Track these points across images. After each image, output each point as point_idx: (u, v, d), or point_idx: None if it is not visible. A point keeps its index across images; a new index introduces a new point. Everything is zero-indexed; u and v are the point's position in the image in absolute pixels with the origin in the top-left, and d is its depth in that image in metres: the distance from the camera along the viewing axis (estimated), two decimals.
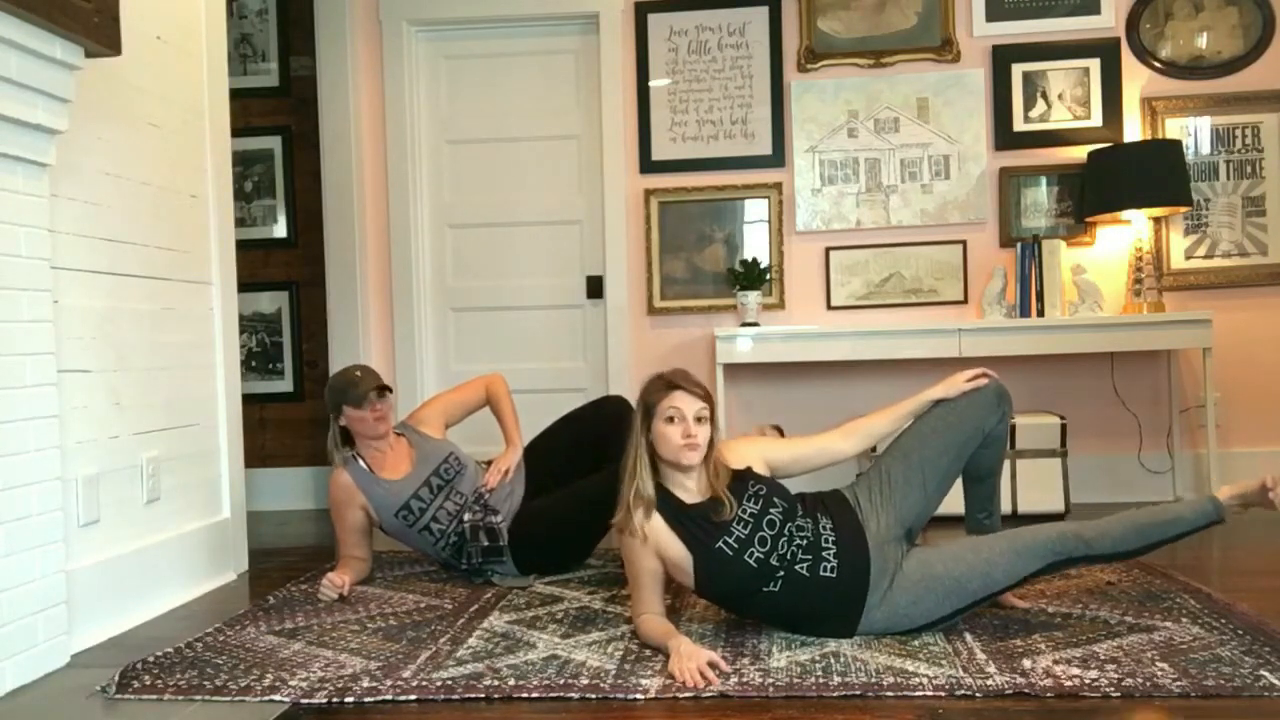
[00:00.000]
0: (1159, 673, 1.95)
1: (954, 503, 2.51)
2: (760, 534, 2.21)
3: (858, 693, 1.91)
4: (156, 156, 2.87)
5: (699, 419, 2.24)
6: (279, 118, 4.52)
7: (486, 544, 2.90)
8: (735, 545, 2.21)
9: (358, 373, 2.96)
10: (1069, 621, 2.33)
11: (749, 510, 2.24)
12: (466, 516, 2.91)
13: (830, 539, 2.24)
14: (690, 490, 2.28)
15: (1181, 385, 4.07)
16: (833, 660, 2.09)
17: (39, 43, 2.12)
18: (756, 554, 2.20)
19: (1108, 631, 2.24)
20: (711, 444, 2.27)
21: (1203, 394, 3.86)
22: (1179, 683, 1.89)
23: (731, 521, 2.22)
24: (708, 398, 2.29)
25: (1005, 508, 3.73)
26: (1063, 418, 3.82)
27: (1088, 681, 1.91)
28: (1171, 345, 3.90)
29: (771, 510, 2.25)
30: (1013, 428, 3.80)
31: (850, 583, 2.21)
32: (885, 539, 2.26)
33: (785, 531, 2.23)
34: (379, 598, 2.77)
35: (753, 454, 2.40)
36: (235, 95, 3.54)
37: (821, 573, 2.20)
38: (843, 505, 2.34)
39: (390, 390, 2.98)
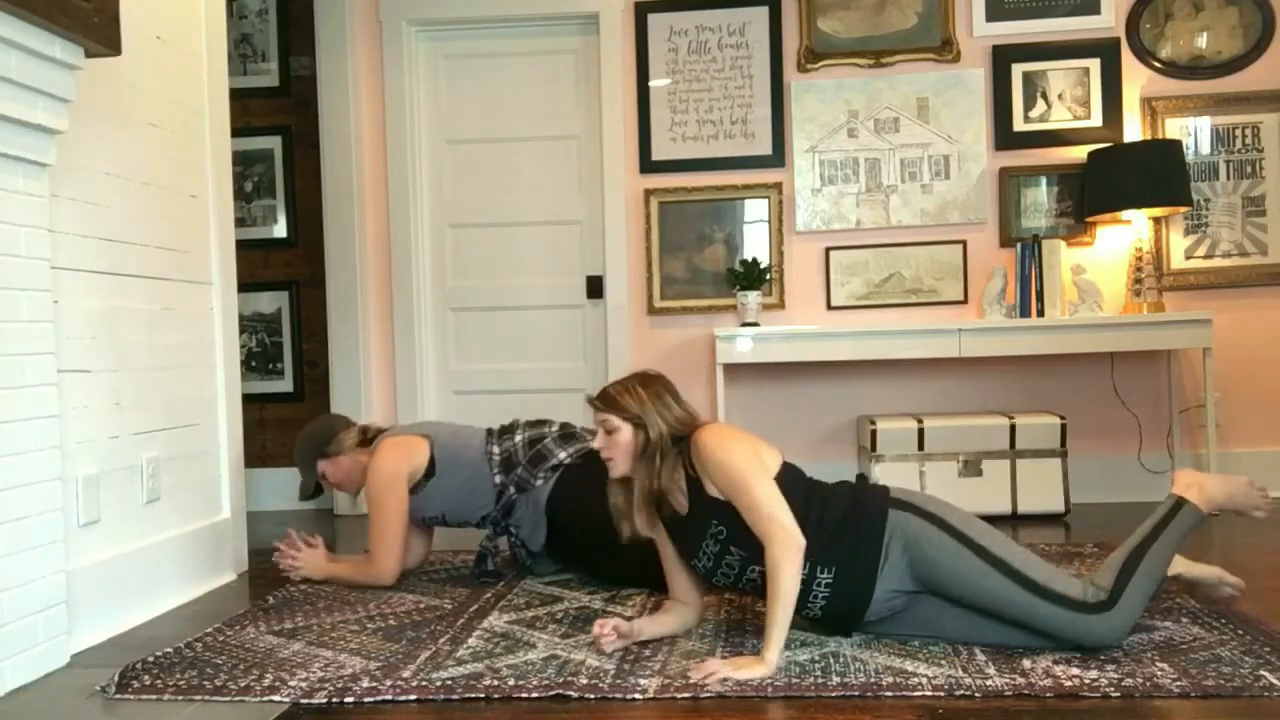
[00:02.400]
0: (1159, 673, 1.95)
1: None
2: (721, 570, 2.20)
3: (856, 693, 1.91)
4: (156, 156, 2.87)
5: (607, 430, 2.21)
6: (279, 118, 4.53)
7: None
8: (703, 569, 2.24)
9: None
10: None
11: (709, 549, 2.19)
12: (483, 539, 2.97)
13: (825, 585, 2.13)
14: (679, 500, 2.23)
15: (1181, 385, 4.07)
16: (832, 660, 2.09)
17: (39, 43, 2.12)
18: (723, 582, 2.24)
19: None
20: (643, 452, 2.18)
21: (1203, 394, 3.86)
22: (1179, 683, 1.89)
23: (697, 550, 2.21)
24: (608, 404, 2.21)
25: (1005, 508, 3.76)
26: (1063, 418, 3.82)
27: (1087, 681, 1.91)
28: (1171, 345, 3.91)
29: (728, 556, 2.17)
30: (1012, 427, 3.80)
31: (837, 618, 2.20)
32: (895, 589, 2.16)
33: (745, 573, 2.17)
34: (379, 598, 2.77)
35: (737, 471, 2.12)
36: (235, 95, 3.54)
37: (803, 612, 2.17)
38: (868, 544, 2.12)
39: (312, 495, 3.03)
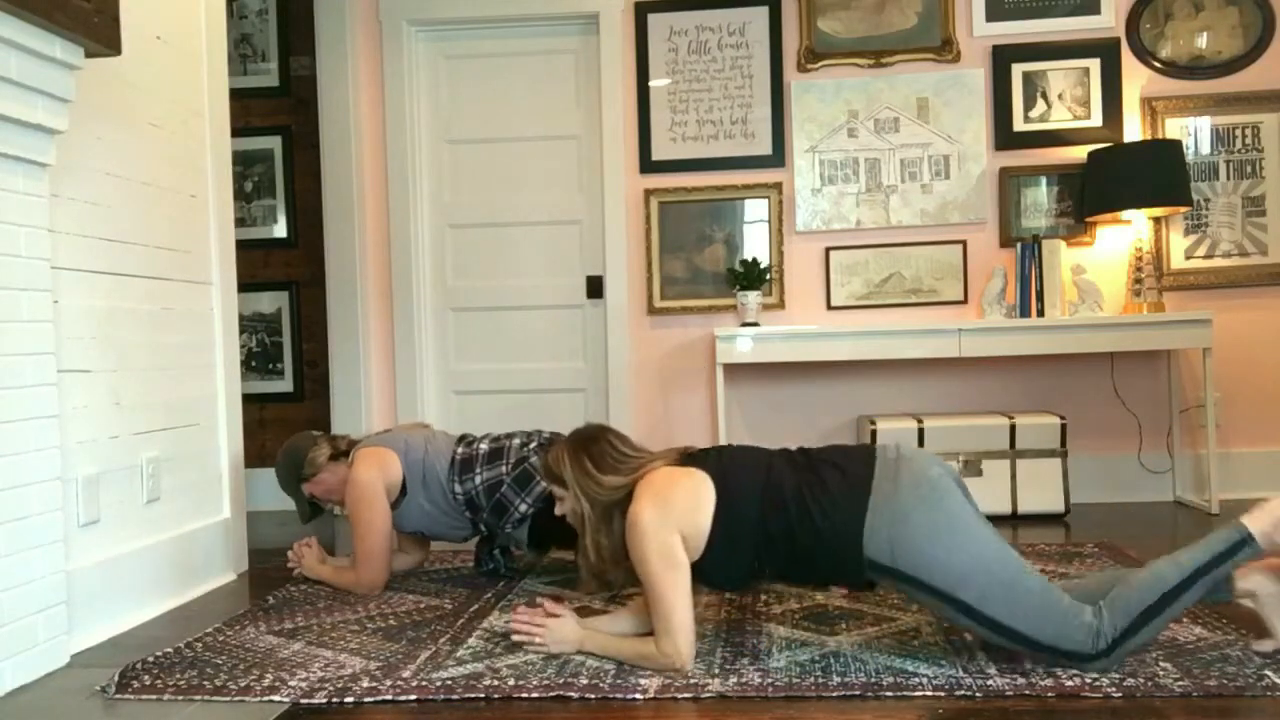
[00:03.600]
0: (1161, 673, 1.95)
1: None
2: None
3: (857, 693, 1.91)
4: (156, 156, 2.87)
5: (558, 496, 2.21)
6: (279, 118, 4.53)
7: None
8: None
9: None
10: None
11: None
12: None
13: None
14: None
15: (1181, 385, 4.07)
16: (832, 660, 2.09)
17: (39, 43, 2.12)
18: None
19: None
20: (582, 519, 2.14)
21: (1203, 394, 3.85)
22: (1181, 683, 1.89)
23: None
24: (545, 472, 2.22)
25: (1005, 508, 3.76)
26: (1063, 418, 3.82)
27: (1089, 681, 1.91)
28: (1171, 345, 3.90)
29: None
30: (1012, 427, 3.80)
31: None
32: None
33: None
34: (379, 598, 2.77)
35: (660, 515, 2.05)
36: (235, 95, 3.54)
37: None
38: (852, 576, 2.08)
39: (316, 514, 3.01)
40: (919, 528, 1.94)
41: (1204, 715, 1.79)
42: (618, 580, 2.20)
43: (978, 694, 1.88)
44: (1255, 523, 1.95)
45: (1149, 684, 1.89)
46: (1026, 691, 1.88)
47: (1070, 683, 1.90)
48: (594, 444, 2.17)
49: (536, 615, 2.19)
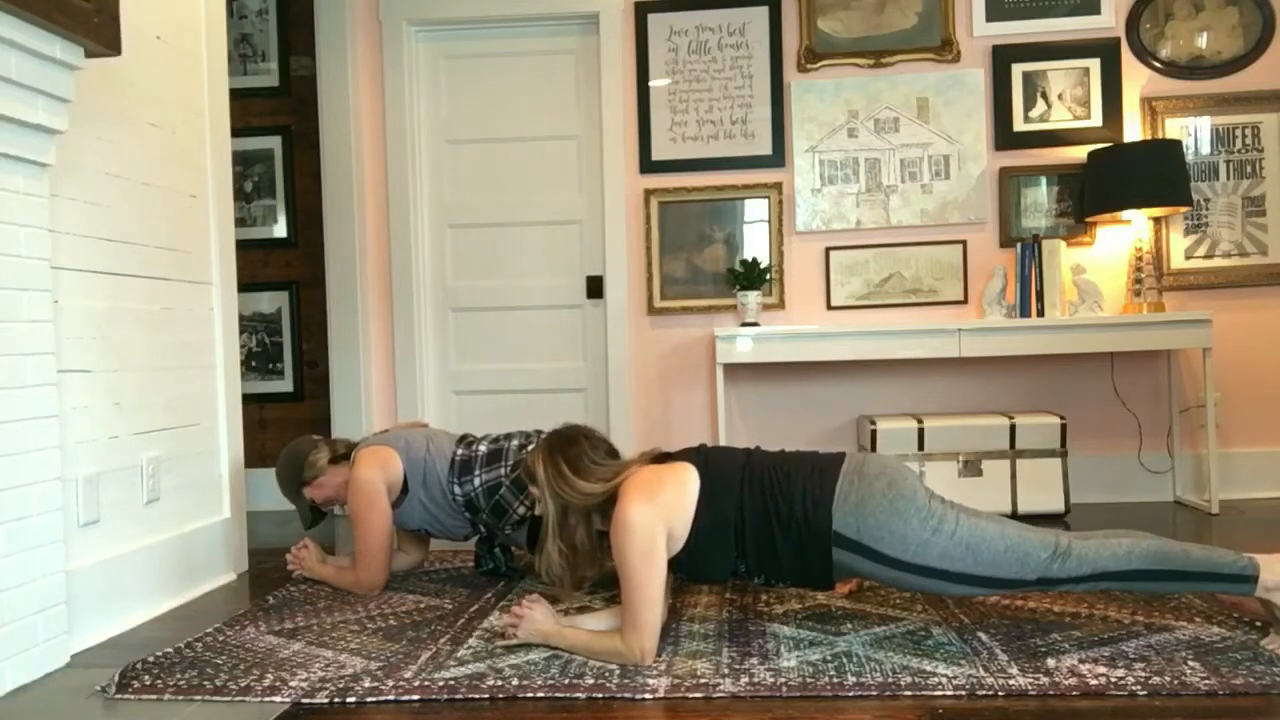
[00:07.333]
0: (1188, 671, 1.94)
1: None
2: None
3: (874, 693, 1.89)
4: (156, 156, 2.86)
5: (536, 498, 2.26)
6: (279, 118, 4.53)
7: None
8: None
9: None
10: (1079, 621, 2.32)
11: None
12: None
13: (787, 585, 2.23)
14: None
15: (1181, 385, 4.07)
16: (845, 660, 2.08)
17: (39, 43, 2.11)
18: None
19: (1126, 631, 2.23)
20: (548, 520, 2.21)
21: (1203, 394, 3.86)
22: (1207, 681, 1.88)
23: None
24: (525, 473, 2.28)
25: (1005, 508, 3.76)
26: (1063, 418, 3.82)
27: (1114, 680, 1.90)
28: (1171, 345, 3.90)
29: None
30: (1012, 427, 3.80)
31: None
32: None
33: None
34: (379, 598, 2.77)
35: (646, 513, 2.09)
36: (235, 95, 3.54)
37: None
38: (818, 574, 2.13)
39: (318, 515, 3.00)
40: (880, 501, 2.05)
41: (1230, 715, 1.77)
42: (591, 578, 2.32)
43: (1000, 693, 1.86)
44: (1269, 573, 2.04)
45: (1175, 682, 1.88)
46: (1050, 691, 1.86)
47: (1095, 681, 1.89)
48: (570, 447, 2.24)
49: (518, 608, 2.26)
